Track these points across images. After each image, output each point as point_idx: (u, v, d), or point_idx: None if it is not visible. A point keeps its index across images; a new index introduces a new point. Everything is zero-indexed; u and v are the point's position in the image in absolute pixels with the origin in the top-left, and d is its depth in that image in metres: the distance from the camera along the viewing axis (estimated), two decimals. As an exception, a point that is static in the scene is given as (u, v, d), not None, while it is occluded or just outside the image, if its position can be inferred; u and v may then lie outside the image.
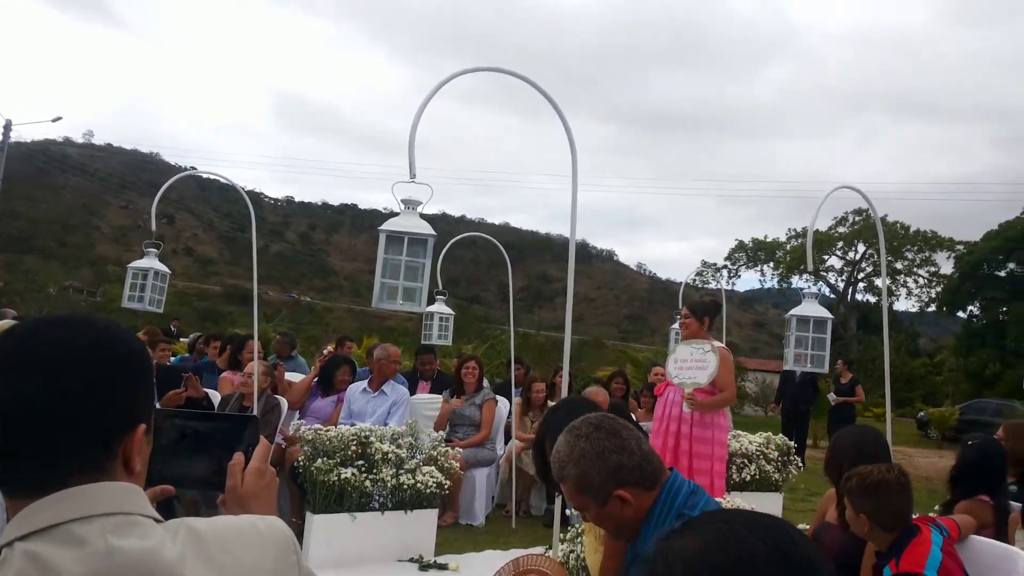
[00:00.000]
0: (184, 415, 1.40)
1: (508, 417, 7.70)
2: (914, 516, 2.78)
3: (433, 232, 3.35)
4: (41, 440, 0.98)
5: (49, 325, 1.05)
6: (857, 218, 42.79)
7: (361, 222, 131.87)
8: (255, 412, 6.11)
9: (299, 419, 6.41)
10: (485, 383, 7.67)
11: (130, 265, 5.97)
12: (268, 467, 1.33)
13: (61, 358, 1.01)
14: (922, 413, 24.07)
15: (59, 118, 28.91)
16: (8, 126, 27.11)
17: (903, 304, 44.30)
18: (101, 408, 1.01)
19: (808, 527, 3.53)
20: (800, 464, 7.85)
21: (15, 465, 0.99)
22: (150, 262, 5.92)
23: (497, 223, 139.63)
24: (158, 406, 5.53)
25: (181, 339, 15.70)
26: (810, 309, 4.68)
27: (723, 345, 5.21)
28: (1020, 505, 3.46)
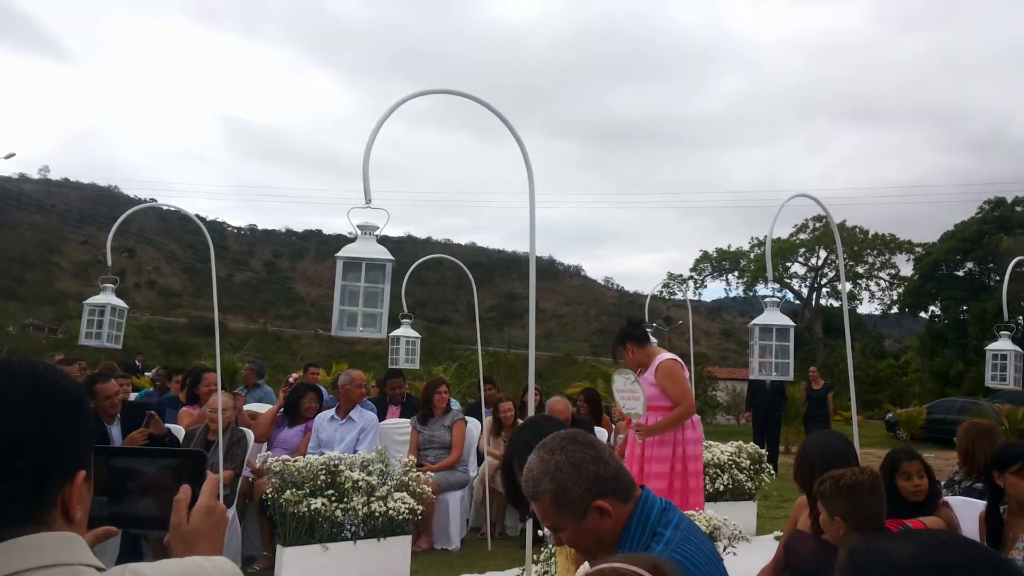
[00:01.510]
0: (127, 452, 1.36)
1: (480, 437, 7.65)
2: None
3: (391, 257, 3.32)
4: None
5: None
6: (817, 224, 43.46)
7: (326, 248, 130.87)
8: (220, 445, 6.00)
9: (267, 450, 6.32)
10: (454, 404, 7.62)
11: (86, 302, 5.85)
12: (217, 504, 1.28)
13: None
14: (890, 414, 24.37)
15: (12, 155, 28.47)
16: (-40, 164, 26.63)
17: (866, 307, 45.05)
18: (34, 456, 0.98)
19: (781, 534, 3.54)
20: (772, 471, 7.90)
21: None
22: (107, 297, 5.80)
23: (463, 243, 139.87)
24: (120, 444, 5.42)
25: (146, 373, 15.44)
26: (772, 318, 4.71)
27: (669, 356, 5.15)
28: (983, 504, 3.49)
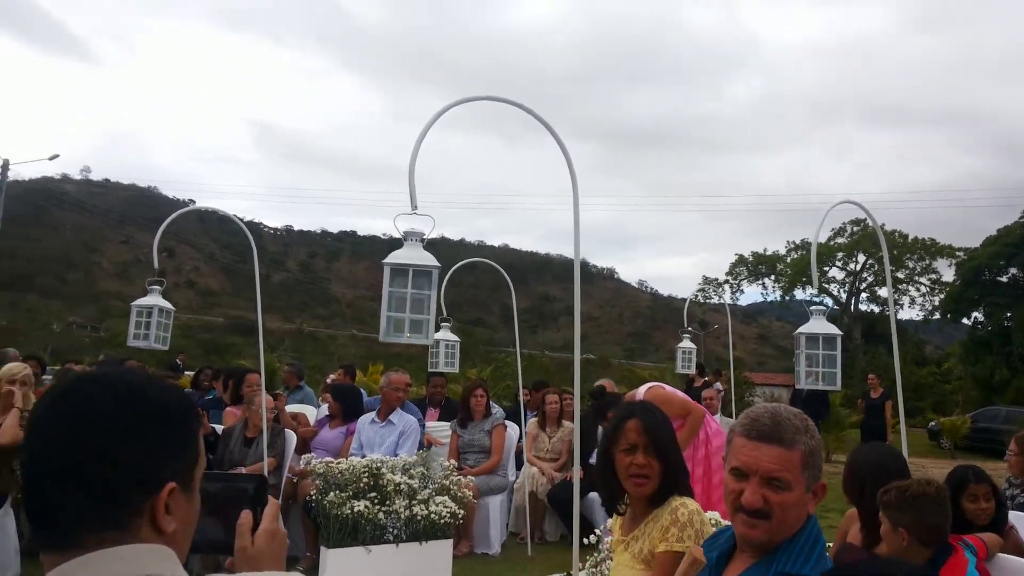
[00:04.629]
0: None
1: (519, 442, 7.65)
2: None
3: (437, 264, 3.34)
4: (59, 499, 0.99)
5: (79, 384, 1.05)
6: (855, 228, 42.85)
7: (361, 249, 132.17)
8: (264, 440, 6.09)
9: (309, 453, 6.39)
10: (495, 408, 7.62)
11: (134, 303, 5.96)
12: (279, 528, 1.32)
13: (78, 420, 1.01)
14: (933, 423, 23.91)
15: (56, 156, 29.01)
16: (5, 165, 27.22)
17: (907, 313, 44.31)
18: (116, 470, 1.00)
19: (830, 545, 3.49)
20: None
21: (40, 522, 1.01)
22: (154, 299, 5.91)
23: (496, 245, 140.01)
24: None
25: (187, 372, 15.69)
26: (818, 326, 4.65)
27: (644, 390, 5.23)
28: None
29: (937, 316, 41.30)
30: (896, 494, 2.69)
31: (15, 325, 57.15)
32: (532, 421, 7.76)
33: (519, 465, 7.55)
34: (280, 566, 1.28)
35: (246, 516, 1.28)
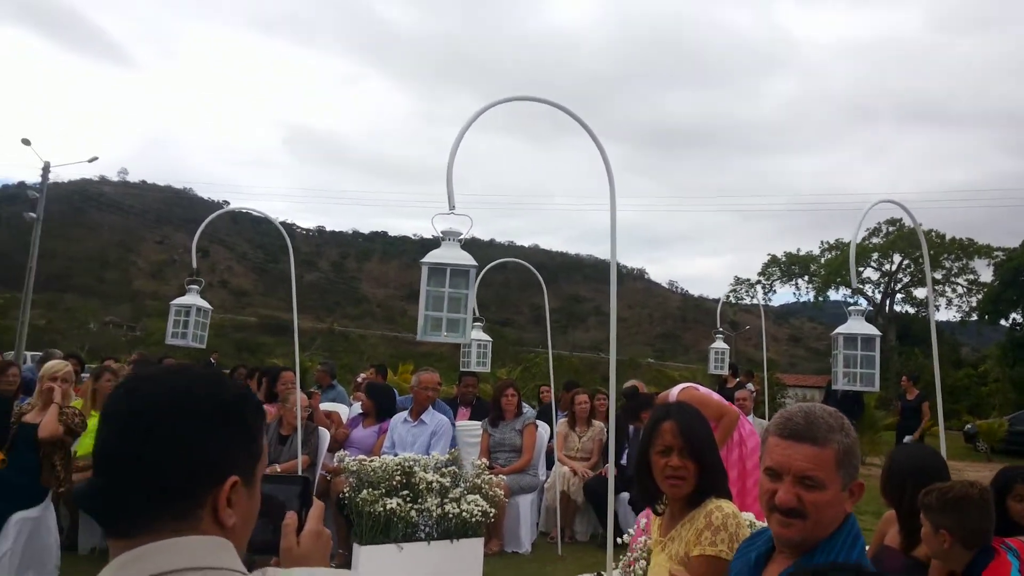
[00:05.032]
0: None
1: (549, 441, 7.66)
2: None
3: (475, 263, 3.36)
4: (128, 486, 1.01)
5: (148, 378, 1.08)
6: (891, 228, 42.26)
7: (392, 249, 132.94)
8: (299, 437, 6.17)
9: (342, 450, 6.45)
10: (526, 408, 7.64)
11: (172, 303, 6.05)
12: (324, 529, 1.35)
13: (148, 411, 1.03)
14: (969, 425, 23.51)
15: (95, 158, 29.44)
16: (47, 168, 27.75)
17: (943, 314, 43.60)
18: (183, 461, 1.03)
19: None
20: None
21: (108, 509, 1.03)
22: (192, 298, 5.99)
23: (526, 245, 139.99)
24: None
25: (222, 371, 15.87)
26: (857, 327, 4.60)
27: (677, 391, 5.22)
28: None
29: (975, 317, 40.61)
30: (938, 496, 2.66)
31: (54, 324, 58.31)
32: (562, 421, 7.78)
33: (550, 465, 7.56)
34: (325, 565, 1.31)
35: (291, 517, 1.31)
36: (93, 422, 5.95)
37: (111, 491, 1.02)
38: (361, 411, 7.35)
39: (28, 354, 22.41)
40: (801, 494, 1.80)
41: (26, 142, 25.98)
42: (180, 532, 1.01)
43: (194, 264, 6.17)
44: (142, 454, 1.01)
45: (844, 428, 1.86)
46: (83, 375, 7.79)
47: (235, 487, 1.06)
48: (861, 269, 42.83)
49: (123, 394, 1.07)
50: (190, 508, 1.03)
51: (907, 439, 12.12)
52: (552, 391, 8.13)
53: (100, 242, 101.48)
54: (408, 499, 5.30)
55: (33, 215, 26.93)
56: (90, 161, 29.95)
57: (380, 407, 7.08)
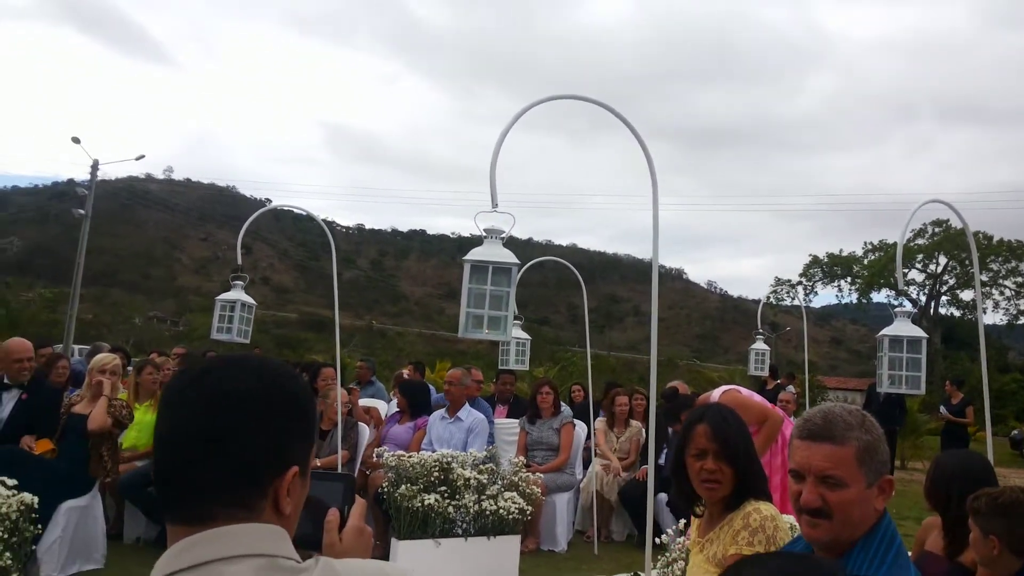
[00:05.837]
0: None
1: (587, 440, 7.65)
2: None
3: (517, 261, 3.37)
4: (193, 472, 1.04)
5: (219, 365, 1.11)
6: (936, 229, 41.41)
7: (430, 247, 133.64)
8: (337, 437, 6.24)
9: (380, 446, 6.52)
10: (564, 407, 7.63)
11: (218, 298, 6.15)
12: (366, 526, 1.36)
13: (220, 397, 1.06)
14: (1015, 431, 23.00)
15: (142, 156, 30.12)
16: (95, 166, 28.40)
17: (990, 317, 42.60)
18: (252, 447, 1.05)
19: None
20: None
21: (170, 493, 1.06)
22: (237, 294, 6.09)
23: (564, 244, 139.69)
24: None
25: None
26: (903, 328, 4.52)
27: (719, 393, 5.13)
28: None
29: (1022, 321, 39.64)
30: (988, 500, 2.61)
31: (101, 319, 59.55)
32: (600, 420, 7.76)
33: (586, 464, 7.55)
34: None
35: (334, 514, 1.33)
36: (137, 414, 6.09)
37: (179, 476, 1.04)
38: (398, 408, 7.42)
39: (76, 347, 22.96)
40: (824, 494, 1.79)
41: (76, 140, 26.62)
42: (242, 519, 1.03)
43: (239, 260, 6.27)
44: (216, 439, 1.03)
45: (864, 425, 1.84)
46: (129, 368, 7.96)
47: (295, 477, 1.09)
48: (906, 271, 42.04)
49: (192, 379, 1.09)
50: (254, 496, 1.05)
51: (941, 409, 11.94)
52: (588, 390, 8.11)
53: (146, 239, 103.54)
54: (446, 495, 5.33)
55: (82, 212, 27.58)
56: (137, 159, 30.70)
57: (413, 404, 7.14)
